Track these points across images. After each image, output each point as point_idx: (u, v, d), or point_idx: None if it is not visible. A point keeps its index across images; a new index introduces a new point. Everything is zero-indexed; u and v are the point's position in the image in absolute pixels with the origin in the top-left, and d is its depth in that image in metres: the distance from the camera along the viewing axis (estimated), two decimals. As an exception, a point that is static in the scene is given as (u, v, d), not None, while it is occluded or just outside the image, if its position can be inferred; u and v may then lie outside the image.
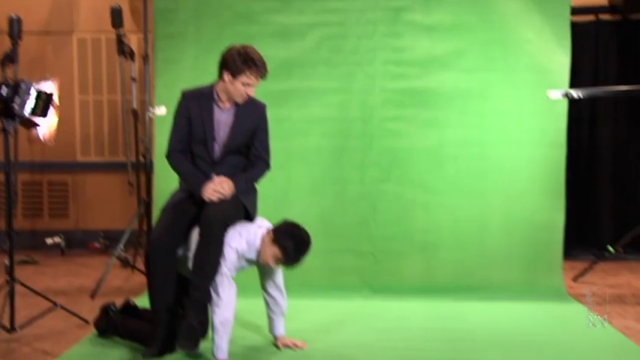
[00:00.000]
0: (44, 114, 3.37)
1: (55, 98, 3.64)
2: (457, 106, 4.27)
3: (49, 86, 3.62)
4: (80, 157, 5.87)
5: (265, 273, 3.08)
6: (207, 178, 3.03)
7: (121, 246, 4.51)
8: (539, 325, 3.55)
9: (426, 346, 3.16)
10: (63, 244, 5.64)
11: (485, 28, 4.25)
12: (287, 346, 3.12)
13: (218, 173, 3.05)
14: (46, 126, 3.66)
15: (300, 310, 3.20)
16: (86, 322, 3.52)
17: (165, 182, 4.35)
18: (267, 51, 4.35)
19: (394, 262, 4.27)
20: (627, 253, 5.34)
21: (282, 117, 4.14)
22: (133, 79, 4.84)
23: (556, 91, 4.22)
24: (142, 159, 4.81)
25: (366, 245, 4.28)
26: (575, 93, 4.34)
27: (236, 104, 3.07)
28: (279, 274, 3.10)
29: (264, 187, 3.24)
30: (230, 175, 3.03)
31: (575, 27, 4.35)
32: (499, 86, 4.25)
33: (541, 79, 4.23)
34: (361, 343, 3.20)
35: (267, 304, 3.14)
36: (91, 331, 3.36)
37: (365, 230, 4.29)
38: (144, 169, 4.76)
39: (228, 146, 3.06)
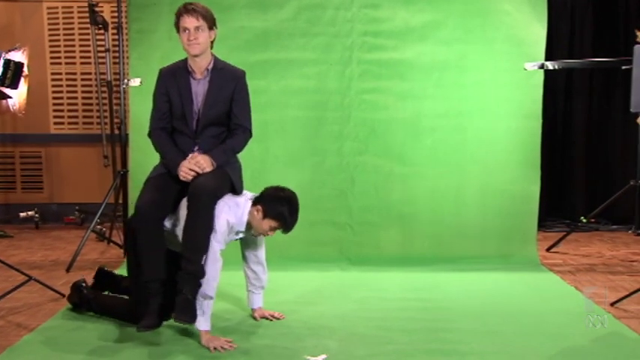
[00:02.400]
0: (14, 84, 3.29)
1: (25, 68, 3.54)
2: (435, 78, 4.27)
3: (19, 56, 3.52)
4: (53, 129, 5.77)
5: (249, 247, 3.07)
6: (184, 156, 2.96)
7: (97, 219, 4.47)
8: (513, 295, 3.62)
9: (402, 316, 3.20)
10: (37, 217, 5.58)
11: (463, -1, 4.24)
12: (265, 317, 3.13)
13: (199, 146, 2.99)
14: (17, 96, 3.56)
15: (279, 282, 3.21)
16: (62, 295, 3.50)
17: (141, 154, 4.32)
18: (244, 21, 4.36)
19: (372, 234, 4.30)
20: (599, 224, 5.46)
21: (259, 88, 4.09)
22: (107, 50, 4.75)
23: (533, 62, 4.24)
24: (116, 131, 4.74)
25: (343, 217, 4.30)
26: (552, 65, 4.36)
27: (211, 73, 3.01)
28: (262, 248, 3.10)
29: (242, 159, 3.22)
30: (211, 148, 2.98)
31: (551, -1, 4.36)
32: (477, 58, 4.25)
33: (518, 50, 4.24)
34: (339, 314, 3.23)
35: (247, 277, 3.13)
36: (66, 304, 3.33)
37: (343, 202, 4.31)
38: (119, 141, 4.70)
39: (206, 117, 3.00)
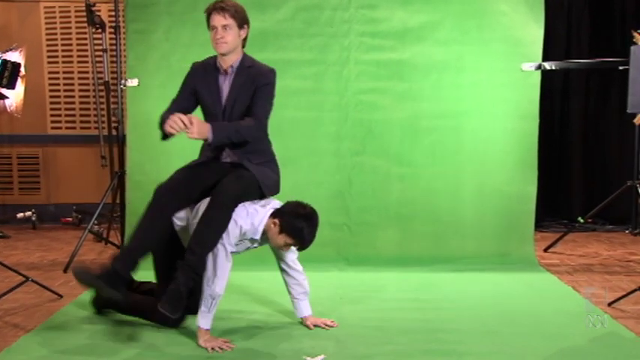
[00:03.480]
0: (11, 85, 3.28)
1: (22, 69, 3.53)
2: (432, 78, 4.27)
3: (16, 56, 3.51)
4: (51, 130, 5.77)
5: (279, 254, 3.01)
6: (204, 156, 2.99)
7: (94, 220, 4.47)
8: (511, 295, 3.62)
9: (400, 317, 3.20)
10: (34, 218, 5.57)
11: (460, 0, 4.24)
12: (318, 326, 3.04)
13: (228, 146, 2.97)
14: (14, 97, 3.56)
15: (276, 283, 3.21)
16: (59, 296, 3.50)
17: (139, 155, 4.32)
18: (241, 21, 4.35)
19: (369, 234, 4.30)
20: (596, 224, 5.47)
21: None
22: (104, 51, 4.75)
23: (530, 63, 4.25)
24: (114, 132, 4.74)
25: (341, 217, 4.30)
26: (549, 65, 4.37)
27: (237, 70, 2.97)
28: (294, 253, 3.02)
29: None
30: (240, 148, 2.93)
31: (548, -1, 4.37)
32: (474, 58, 4.26)
33: (515, 51, 4.25)
34: (337, 315, 3.22)
35: (288, 285, 3.05)
36: (64, 305, 3.33)
37: (340, 203, 4.30)
38: (116, 141, 4.70)
39: (230, 114, 2.95)
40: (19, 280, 3.42)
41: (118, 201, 4.58)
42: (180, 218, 2.93)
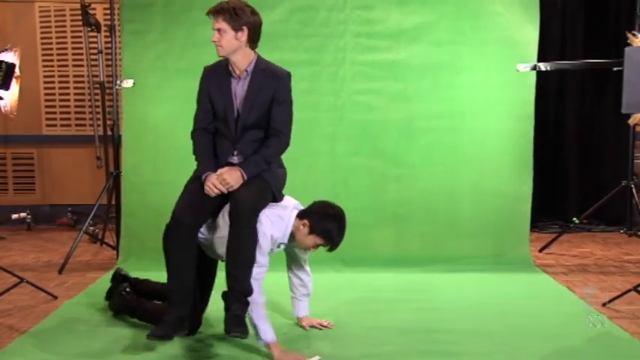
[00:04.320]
0: (6, 85, 3.27)
1: (17, 69, 3.52)
2: (427, 79, 4.28)
3: (11, 56, 3.50)
4: (46, 131, 5.75)
5: (293, 254, 2.97)
6: (217, 165, 2.81)
7: (90, 221, 4.46)
8: (507, 295, 3.63)
9: (396, 317, 3.20)
10: (29, 219, 5.55)
11: (456, 1, 4.24)
12: (313, 326, 3.02)
13: (239, 152, 2.85)
14: (8, 98, 3.54)
15: (272, 284, 3.20)
16: (54, 297, 3.49)
17: (134, 155, 4.31)
18: (236, 22, 4.35)
19: (365, 235, 4.29)
20: (591, 225, 5.49)
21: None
22: (100, 51, 4.74)
23: (525, 64, 4.25)
24: (109, 132, 4.73)
25: (337, 218, 4.29)
26: (544, 66, 4.38)
27: (252, 74, 2.84)
28: (306, 254, 2.98)
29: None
30: (251, 153, 2.83)
31: (543, 0, 4.37)
32: (469, 59, 4.26)
33: (510, 52, 4.26)
34: (333, 316, 3.22)
35: (292, 284, 3.03)
36: (58, 306, 3.32)
37: (336, 203, 4.29)
38: (112, 142, 4.68)
39: (245, 120, 2.83)
40: (14, 281, 3.41)
41: (113, 202, 4.56)
42: (201, 232, 2.83)
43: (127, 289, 3.16)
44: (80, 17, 4.73)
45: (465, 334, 2.99)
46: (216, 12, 2.79)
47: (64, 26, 5.63)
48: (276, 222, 2.76)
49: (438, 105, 4.28)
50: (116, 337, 2.92)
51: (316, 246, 2.81)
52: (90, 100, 5.43)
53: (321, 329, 3.03)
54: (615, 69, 4.35)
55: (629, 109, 3.94)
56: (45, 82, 5.70)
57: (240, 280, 2.64)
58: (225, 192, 2.73)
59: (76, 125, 5.76)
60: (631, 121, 4.42)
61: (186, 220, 2.71)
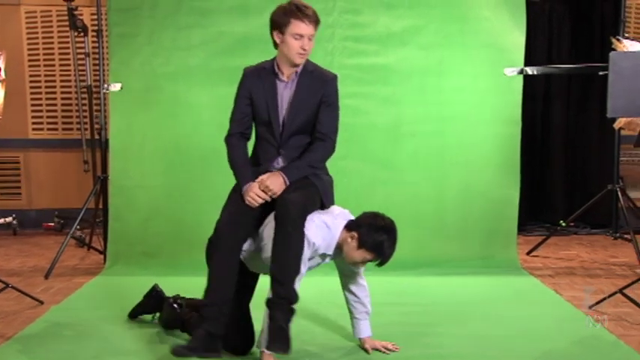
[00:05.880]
0: (-9, 89, 3.24)
1: (2, 72, 3.50)
2: (415, 83, 4.29)
3: (-4, 60, 3.48)
4: (32, 134, 5.71)
5: (345, 269, 2.76)
6: (256, 174, 2.69)
7: (77, 225, 4.43)
8: (494, 299, 3.64)
9: (384, 321, 3.19)
10: (15, 224, 5.50)
11: (443, 5, 4.27)
12: (376, 349, 2.80)
13: (283, 158, 2.74)
14: (-6, 101, 3.52)
15: (262, 288, 3.19)
16: (40, 302, 3.46)
17: (121, 159, 4.29)
18: (224, 26, 4.35)
19: (353, 239, 4.30)
20: (578, 228, 5.53)
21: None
22: (87, 55, 4.71)
23: (512, 68, 4.28)
24: (96, 136, 4.70)
25: (325, 222, 4.29)
26: (531, 70, 4.41)
27: (300, 76, 2.73)
28: (361, 268, 2.77)
29: (225, 166, 3.14)
30: (291, 158, 2.72)
31: (530, 5, 4.41)
32: (457, 63, 4.29)
33: (497, 56, 4.28)
34: (320, 319, 3.23)
35: (348, 302, 2.81)
36: (44, 311, 3.29)
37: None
38: (99, 146, 4.66)
39: (291, 124, 2.71)
40: (-1, 286, 3.38)
41: (100, 206, 4.54)
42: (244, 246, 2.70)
43: (179, 302, 3.00)
44: (67, 20, 4.71)
45: (452, 336, 3.00)
46: (309, 16, 2.66)
47: (51, 29, 5.60)
48: (322, 228, 2.59)
49: (425, 109, 4.30)
50: (103, 343, 2.90)
51: (365, 261, 2.62)
52: (77, 104, 5.40)
53: (386, 353, 2.80)
54: (601, 73, 4.39)
55: (614, 114, 3.96)
56: (31, 86, 5.66)
57: (284, 285, 2.50)
58: (269, 199, 2.62)
59: (63, 129, 5.72)
60: (616, 125, 4.46)
61: (231, 236, 2.60)
